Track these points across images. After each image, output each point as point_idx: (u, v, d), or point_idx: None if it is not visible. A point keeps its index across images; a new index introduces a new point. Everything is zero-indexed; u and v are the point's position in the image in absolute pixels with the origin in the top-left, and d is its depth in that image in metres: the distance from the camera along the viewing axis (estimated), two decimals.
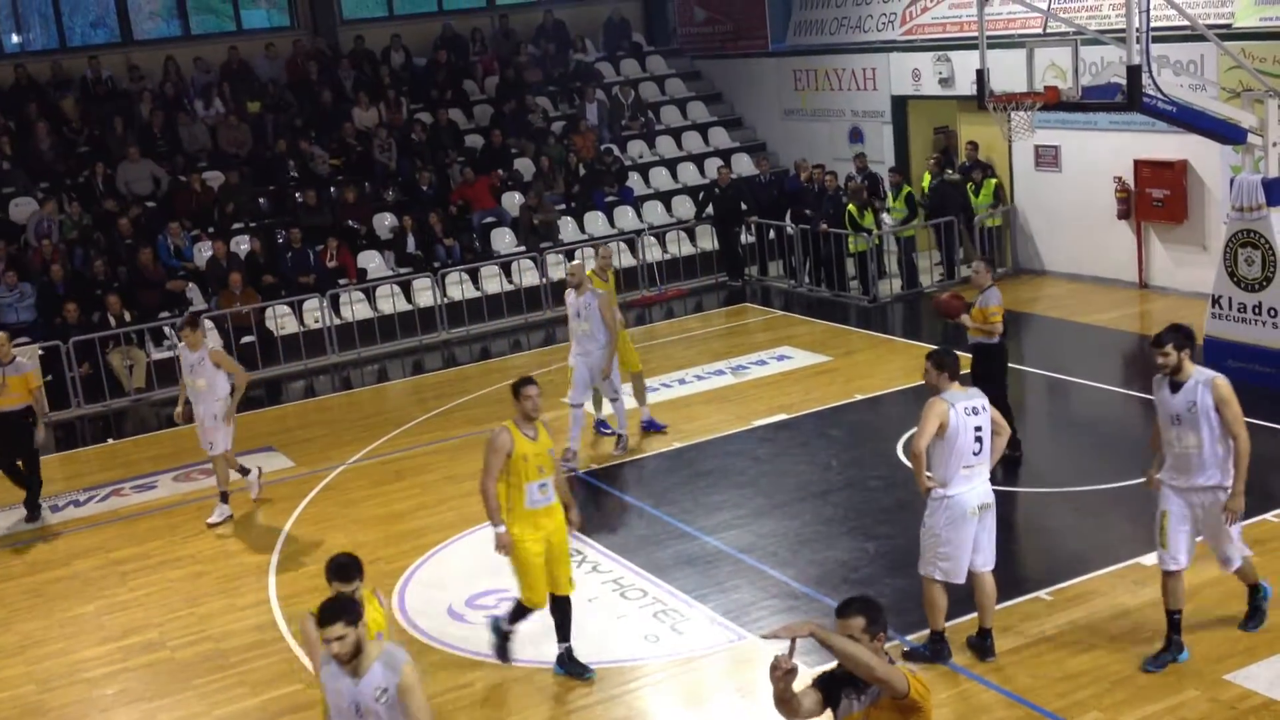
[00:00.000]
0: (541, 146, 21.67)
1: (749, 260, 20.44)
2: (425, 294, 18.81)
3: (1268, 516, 9.94)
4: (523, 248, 19.83)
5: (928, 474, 7.99)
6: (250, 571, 11.00)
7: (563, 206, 20.82)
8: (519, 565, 8.38)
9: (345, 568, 6.39)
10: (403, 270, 19.14)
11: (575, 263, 13.69)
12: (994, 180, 18.52)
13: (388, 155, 20.85)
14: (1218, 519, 7.84)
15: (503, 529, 8.23)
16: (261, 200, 20.09)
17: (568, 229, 20.50)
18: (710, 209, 20.39)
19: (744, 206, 20.17)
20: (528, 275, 19.47)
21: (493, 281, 19.28)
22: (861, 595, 5.33)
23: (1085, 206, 17.45)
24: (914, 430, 8.23)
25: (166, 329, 17.42)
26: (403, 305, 18.77)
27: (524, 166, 21.48)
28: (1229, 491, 7.77)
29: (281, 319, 18.08)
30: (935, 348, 8.38)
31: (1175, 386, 7.73)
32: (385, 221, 19.97)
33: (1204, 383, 7.65)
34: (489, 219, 20.36)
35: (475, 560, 10.73)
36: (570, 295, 12.71)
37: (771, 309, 18.75)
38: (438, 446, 13.81)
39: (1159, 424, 7.98)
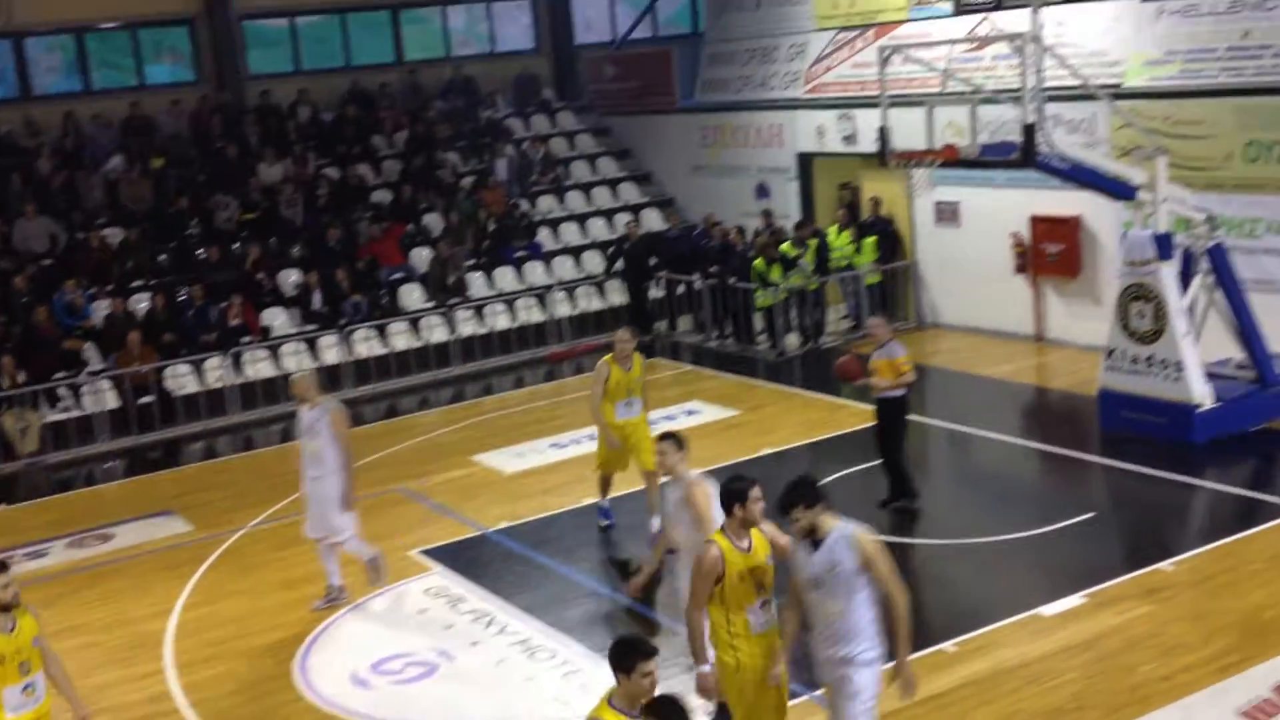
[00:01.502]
0: (451, 202, 21.64)
1: (658, 315, 20.54)
2: (331, 351, 18.60)
3: (1162, 565, 10.14)
4: (432, 304, 19.72)
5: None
6: (145, 641, 10.68)
7: (472, 262, 20.77)
8: (734, 688, 6.87)
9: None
10: (308, 327, 18.92)
11: (300, 373, 11.09)
12: (872, 238, 18.70)
13: (294, 211, 20.66)
14: (842, 698, 6.71)
15: (707, 669, 6.79)
16: (163, 257, 19.76)
17: (477, 284, 20.44)
18: (620, 264, 20.47)
19: (653, 261, 20.29)
20: (437, 331, 19.35)
21: (401, 338, 19.13)
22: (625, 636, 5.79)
23: (984, 261, 17.80)
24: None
25: (61, 391, 17.01)
26: (307, 363, 18.49)
27: (433, 222, 21.41)
28: (870, 660, 6.69)
29: (181, 378, 17.74)
30: (668, 430, 8.13)
31: (816, 545, 6.65)
32: (290, 278, 19.75)
33: (845, 539, 6.59)
34: (397, 275, 20.23)
35: (380, 624, 10.55)
36: (302, 409, 10.72)
37: (681, 363, 18.82)
38: None
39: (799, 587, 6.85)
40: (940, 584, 10.51)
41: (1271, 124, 14.19)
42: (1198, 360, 12.93)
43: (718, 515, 7.16)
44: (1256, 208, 14.41)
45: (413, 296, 20.00)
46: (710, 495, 7.54)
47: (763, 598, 6.81)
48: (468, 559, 11.82)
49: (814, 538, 6.64)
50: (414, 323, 19.38)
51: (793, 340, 18.61)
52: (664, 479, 8.00)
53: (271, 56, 24.07)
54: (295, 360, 18.39)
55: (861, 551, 6.56)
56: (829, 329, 19.06)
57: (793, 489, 6.69)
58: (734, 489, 6.85)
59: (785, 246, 18.54)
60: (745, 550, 6.77)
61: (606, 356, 11.85)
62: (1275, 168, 14.19)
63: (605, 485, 12.22)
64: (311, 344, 18.67)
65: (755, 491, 6.84)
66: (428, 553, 12.02)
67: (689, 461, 8.02)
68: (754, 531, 6.85)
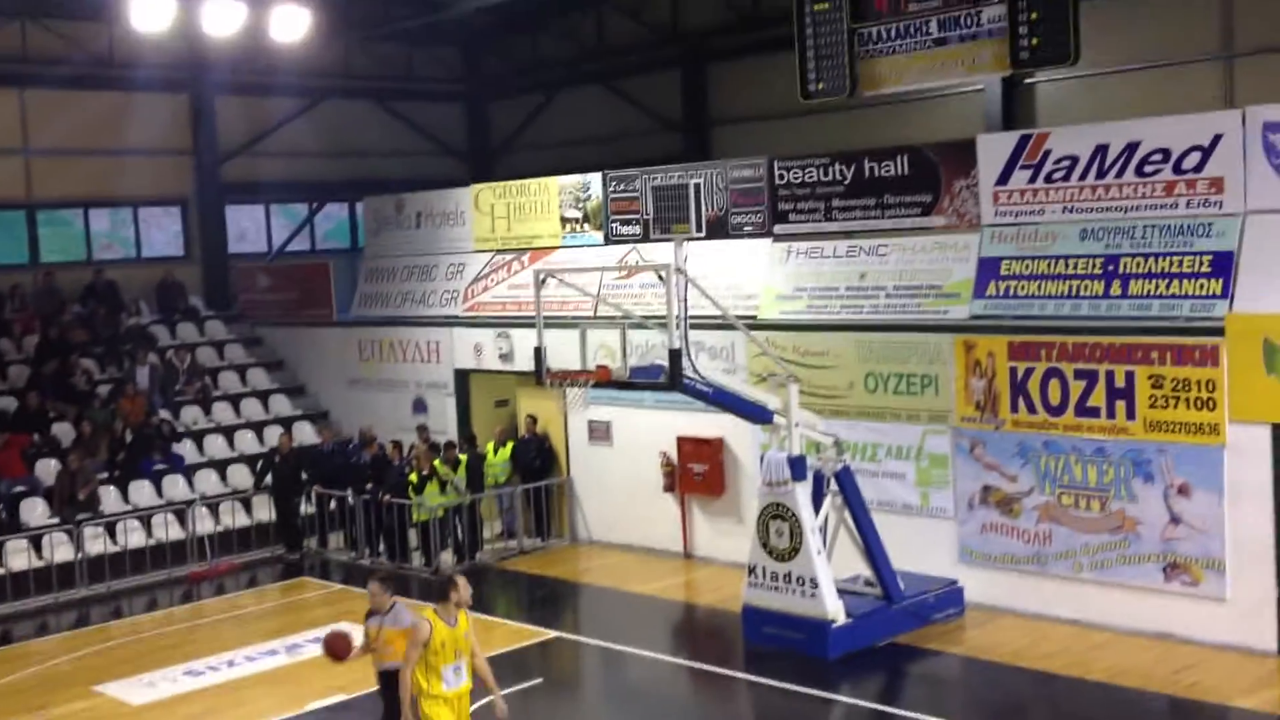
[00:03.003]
0: (85, 411, 20.39)
1: (308, 531, 19.88)
2: None
3: None
4: (57, 520, 18.28)
5: None
6: None
7: (106, 475, 19.50)
8: None
9: None
10: None
11: None
12: (437, 461, 18.27)
13: None
14: None
15: None
16: None
17: (110, 499, 19.16)
18: (269, 478, 19.79)
19: (304, 476, 19.74)
20: (61, 550, 17.88)
21: (19, 557, 17.57)
22: None
23: (635, 479, 18.35)
24: None
25: None
26: None
27: (63, 431, 20.04)
28: None
29: None
30: None
31: None
32: None
33: None
34: (19, 488, 18.70)
35: None
36: None
37: (331, 583, 18.18)
38: None
39: None
40: None
41: (886, 357, 15.58)
42: (830, 577, 13.68)
43: None
44: (876, 434, 15.65)
45: (35, 512, 18.47)
46: None
47: None
48: None
49: None
50: (35, 540, 17.87)
51: (447, 558, 18.39)
52: None
53: None
54: None
55: None
56: (485, 545, 19.01)
57: None
58: None
59: (438, 464, 18.50)
60: None
61: (427, 610, 9.52)
62: (891, 397, 15.54)
63: None
64: None
65: None
66: None
67: None
68: None
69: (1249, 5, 18.46)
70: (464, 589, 9.54)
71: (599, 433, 18.90)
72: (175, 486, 19.98)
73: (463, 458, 18.76)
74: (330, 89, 26.51)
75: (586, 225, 19.51)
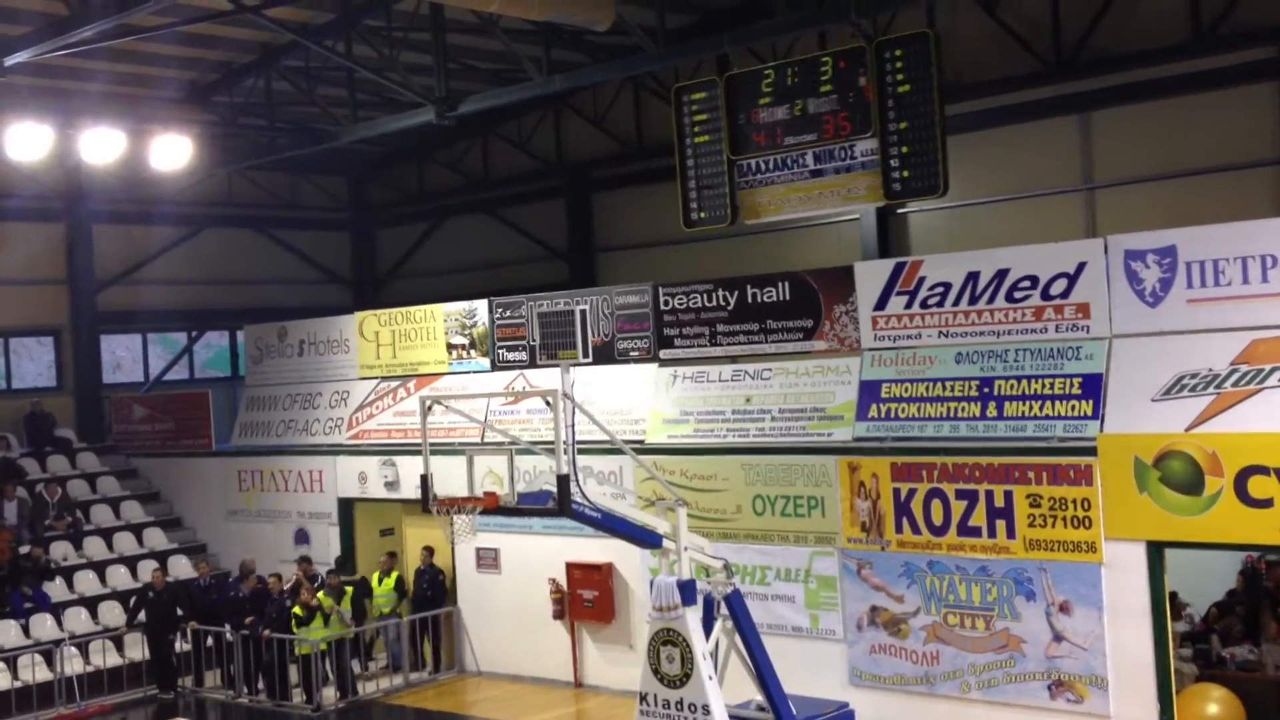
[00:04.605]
0: None
1: (184, 670, 19.13)
2: None
3: None
4: None
5: None
6: None
7: None
8: None
9: None
10: None
11: None
12: (321, 594, 17.92)
13: None
14: None
15: None
16: None
17: None
18: (142, 615, 19.06)
19: (180, 612, 19.07)
20: None
21: None
22: None
23: (523, 607, 18.09)
24: None
25: None
26: None
27: None
28: None
29: None
30: None
31: None
32: None
33: None
34: None
35: None
36: None
37: None
38: None
39: None
40: None
41: (772, 480, 15.73)
42: (722, 703, 13.52)
43: None
44: (765, 556, 15.71)
45: None
46: None
47: None
48: None
49: None
50: None
51: (329, 694, 17.83)
52: None
53: None
54: None
55: None
56: (371, 679, 18.48)
57: None
58: None
59: (321, 595, 18.04)
60: None
61: None
62: (779, 520, 15.64)
63: None
64: None
65: None
66: None
67: None
68: None
69: (1107, 140, 19.49)
70: None
71: (487, 560, 18.64)
72: (43, 626, 19.11)
73: (348, 589, 18.32)
74: (212, 217, 26.36)
75: (473, 351, 19.50)
